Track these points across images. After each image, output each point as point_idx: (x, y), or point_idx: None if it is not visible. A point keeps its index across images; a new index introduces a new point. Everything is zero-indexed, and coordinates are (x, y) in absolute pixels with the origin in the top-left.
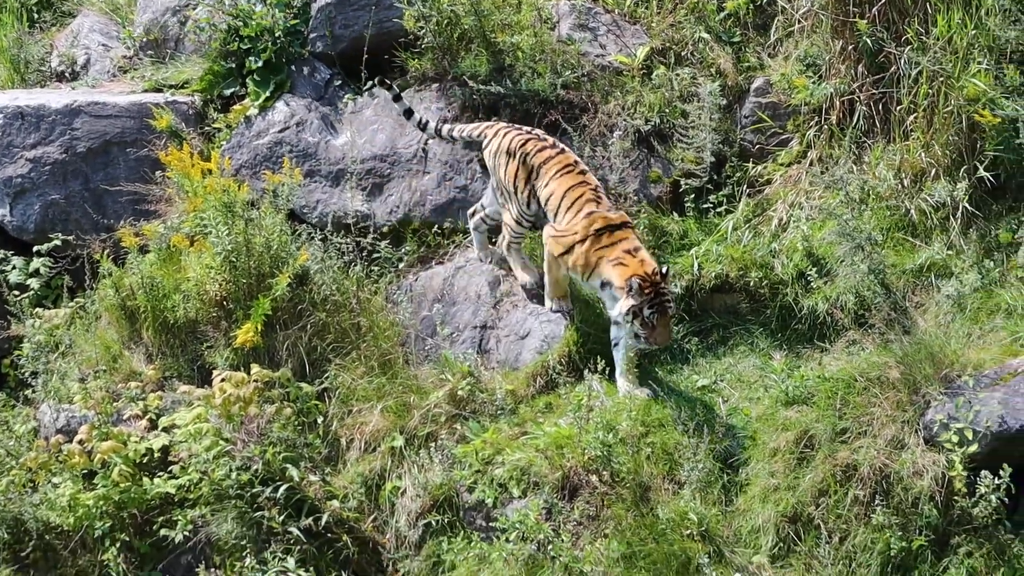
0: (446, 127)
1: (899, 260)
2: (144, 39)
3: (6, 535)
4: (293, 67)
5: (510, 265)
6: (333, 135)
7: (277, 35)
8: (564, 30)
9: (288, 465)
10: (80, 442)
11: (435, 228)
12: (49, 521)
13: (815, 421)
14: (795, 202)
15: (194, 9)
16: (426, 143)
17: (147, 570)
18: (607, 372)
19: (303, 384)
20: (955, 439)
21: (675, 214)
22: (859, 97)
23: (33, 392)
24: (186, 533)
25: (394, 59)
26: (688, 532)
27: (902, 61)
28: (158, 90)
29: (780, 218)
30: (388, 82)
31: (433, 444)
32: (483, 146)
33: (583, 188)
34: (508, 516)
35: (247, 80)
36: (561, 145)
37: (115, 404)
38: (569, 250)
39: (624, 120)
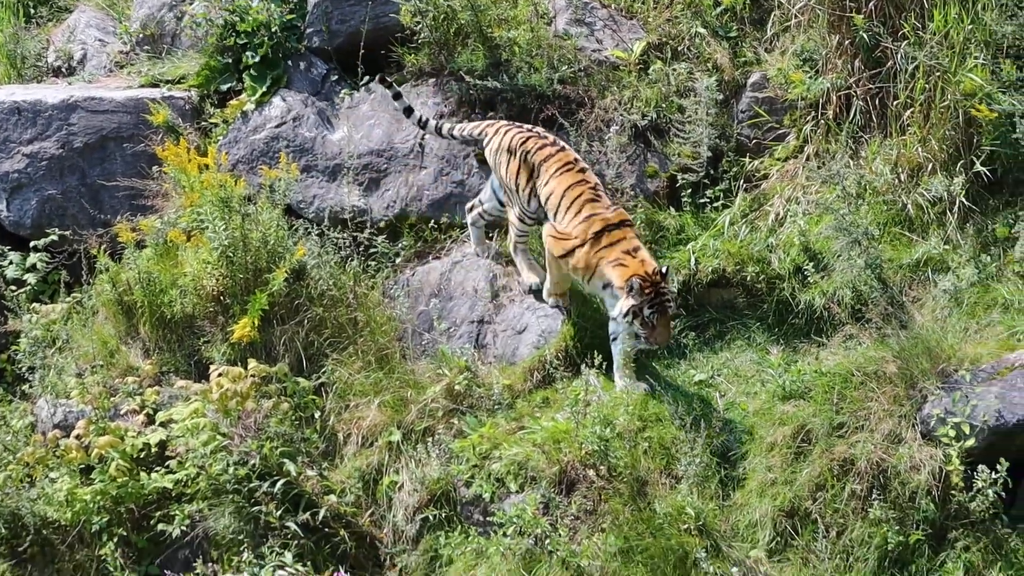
0: (446, 126)
1: (896, 255)
2: (140, 34)
3: (3, 530)
4: (290, 62)
5: (517, 265)
6: (330, 130)
7: (273, 30)
8: (561, 25)
9: (285, 460)
10: (77, 437)
11: (432, 223)
12: (46, 516)
13: (812, 416)
14: (792, 197)
15: (190, 4)
16: (423, 138)
17: (144, 565)
18: (604, 367)
19: (300, 379)
20: (952, 433)
21: (672, 209)
22: (856, 92)
23: (30, 387)
24: (183, 528)
25: (391, 54)
26: (685, 526)
27: (899, 56)
28: (155, 85)
29: (777, 213)
30: (388, 80)
31: (430, 439)
32: (483, 144)
33: (582, 187)
34: (505, 510)
35: (244, 75)
36: (561, 143)
37: (112, 399)
38: (570, 253)
39: (621, 115)
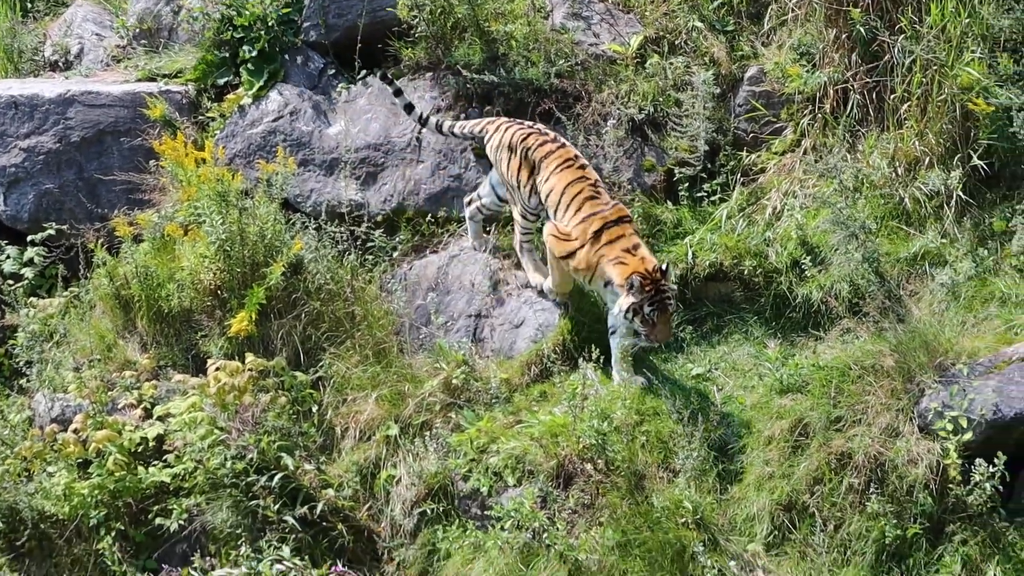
0: (447, 123)
1: (893, 248)
2: (137, 28)
3: (1, 524)
4: (287, 56)
5: (523, 265)
6: (327, 124)
7: (271, 24)
8: (558, 19)
9: (283, 454)
10: (75, 431)
11: (429, 217)
12: (44, 510)
13: (810, 409)
14: (789, 191)
15: None
16: (420, 132)
17: (142, 559)
18: (601, 361)
19: (298, 373)
20: (950, 427)
21: (669, 203)
22: (853, 86)
23: (28, 381)
24: (181, 522)
25: (387, 48)
26: (683, 520)
27: (896, 50)
28: (152, 79)
29: (774, 207)
30: (390, 77)
31: (428, 433)
32: (484, 141)
33: (582, 183)
34: (503, 504)
35: (241, 69)
36: (562, 139)
37: (110, 393)
38: (571, 255)
39: (618, 109)
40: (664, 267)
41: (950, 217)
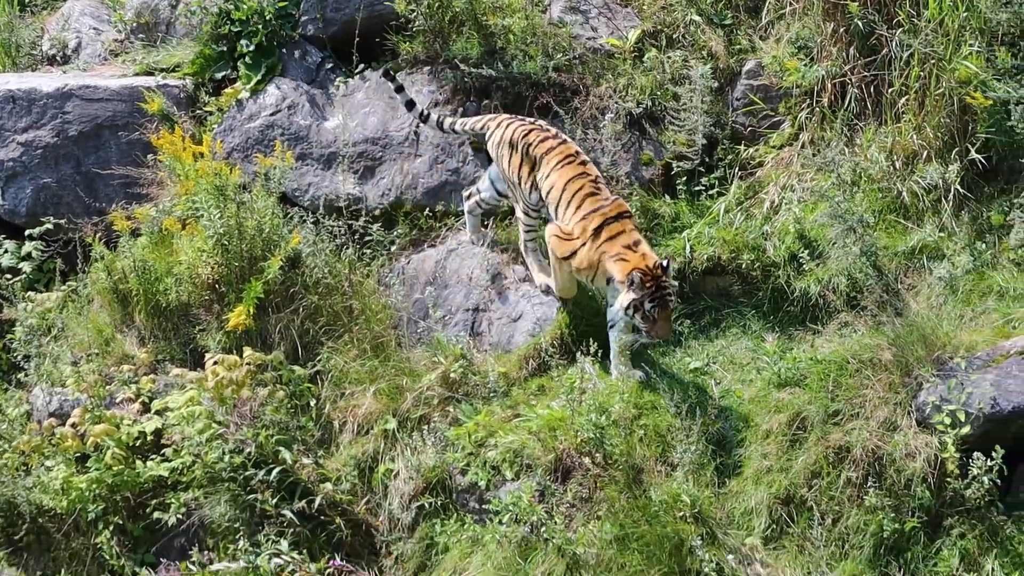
0: (448, 120)
1: (891, 242)
2: (135, 22)
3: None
4: (284, 50)
5: (528, 265)
6: (325, 118)
7: (268, 18)
8: (555, 13)
9: (281, 448)
10: (73, 425)
11: (427, 211)
12: (42, 504)
13: (808, 403)
14: (787, 184)
15: None
16: (418, 126)
17: (140, 553)
18: (599, 354)
19: (296, 367)
20: (947, 421)
21: (667, 197)
22: (851, 79)
23: (26, 375)
24: (179, 516)
25: (385, 42)
26: (681, 514)
27: (894, 43)
28: (149, 73)
29: (772, 200)
30: (392, 74)
31: (426, 427)
32: (486, 138)
33: (583, 180)
34: (501, 498)
35: (238, 63)
36: (563, 136)
37: (108, 387)
38: (573, 255)
39: (616, 103)
40: (665, 263)
41: (948, 211)
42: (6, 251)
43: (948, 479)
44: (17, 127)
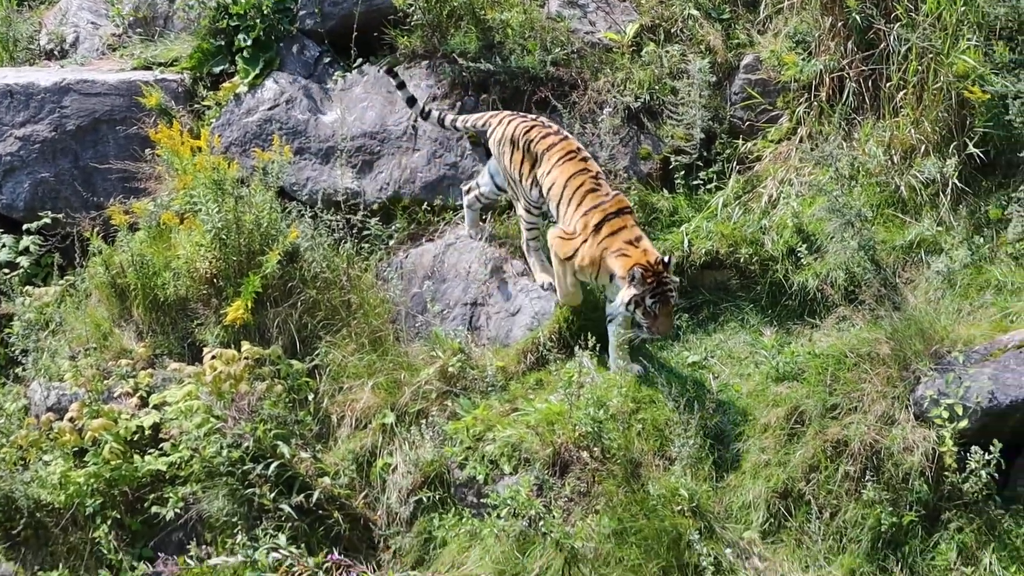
0: (449, 117)
1: (889, 236)
2: (133, 17)
3: None
4: (282, 45)
5: (529, 265)
6: (323, 112)
7: (266, 12)
8: (553, 7)
9: (279, 442)
10: (71, 420)
11: (425, 205)
12: (40, 499)
13: (805, 397)
14: (785, 178)
15: None
16: (416, 120)
17: (138, 547)
18: (597, 348)
19: (294, 361)
20: (945, 415)
21: (665, 191)
22: (849, 74)
23: (23, 370)
24: (177, 510)
25: (383, 36)
26: (679, 508)
27: (891, 38)
28: (147, 68)
29: (770, 194)
30: (394, 71)
31: (424, 421)
32: (487, 135)
33: (584, 176)
34: (499, 492)
35: (236, 58)
36: (564, 132)
37: (106, 382)
38: (575, 253)
39: (614, 97)
40: (666, 259)
41: (946, 205)
42: (4, 245)
43: (946, 473)
44: (15, 121)
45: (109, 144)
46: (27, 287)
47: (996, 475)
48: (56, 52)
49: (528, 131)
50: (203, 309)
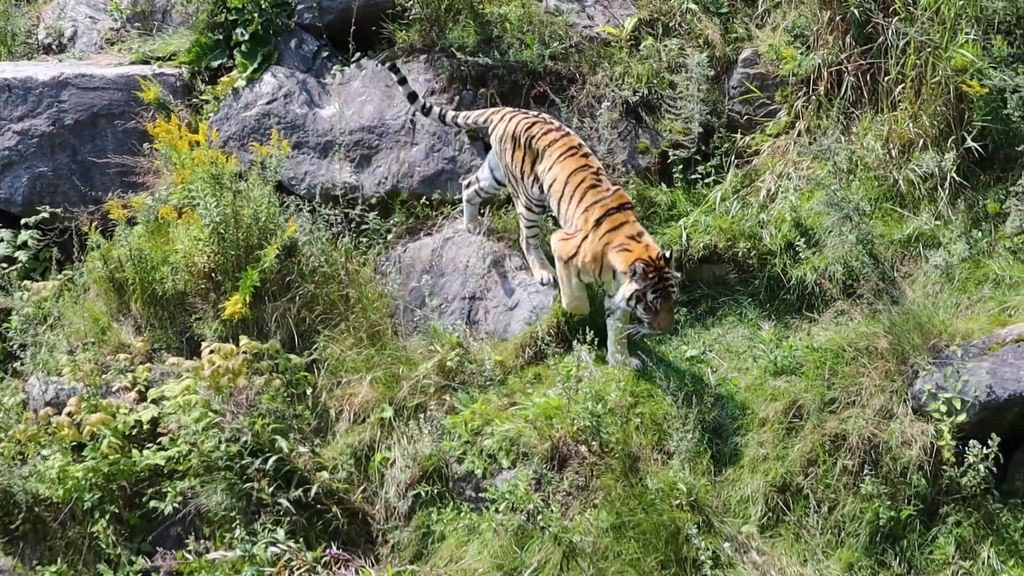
0: (450, 113)
1: (887, 230)
2: (131, 11)
3: None
4: (280, 39)
5: (528, 263)
6: (321, 107)
7: (264, 7)
8: (551, 1)
9: (277, 436)
10: (69, 414)
11: (423, 199)
12: (38, 493)
13: (804, 391)
14: (783, 172)
15: None
16: (414, 114)
17: (136, 541)
18: (596, 343)
19: (292, 356)
20: (943, 409)
21: (663, 185)
22: (847, 68)
23: (22, 365)
24: (175, 505)
25: (381, 30)
26: (677, 502)
27: (890, 32)
28: (145, 62)
29: (768, 189)
30: (396, 66)
31: (422, 415)
32: (489, 131)
33: (585, 172)
34: (497, 487)
35: (234, 52)
36: (566, 128)
37: (104, 376)
38: (577, 251)
39: (612, 91)
40: (668, 254)
41: (944, 199)
42: (2, 240)
43: (944, 467)
44: (13, 116)
45: (107, 138)
46: (25, 281)
47: (994, 469)
48: (54, 46)
49: (530, 127)
50: (201, 303)
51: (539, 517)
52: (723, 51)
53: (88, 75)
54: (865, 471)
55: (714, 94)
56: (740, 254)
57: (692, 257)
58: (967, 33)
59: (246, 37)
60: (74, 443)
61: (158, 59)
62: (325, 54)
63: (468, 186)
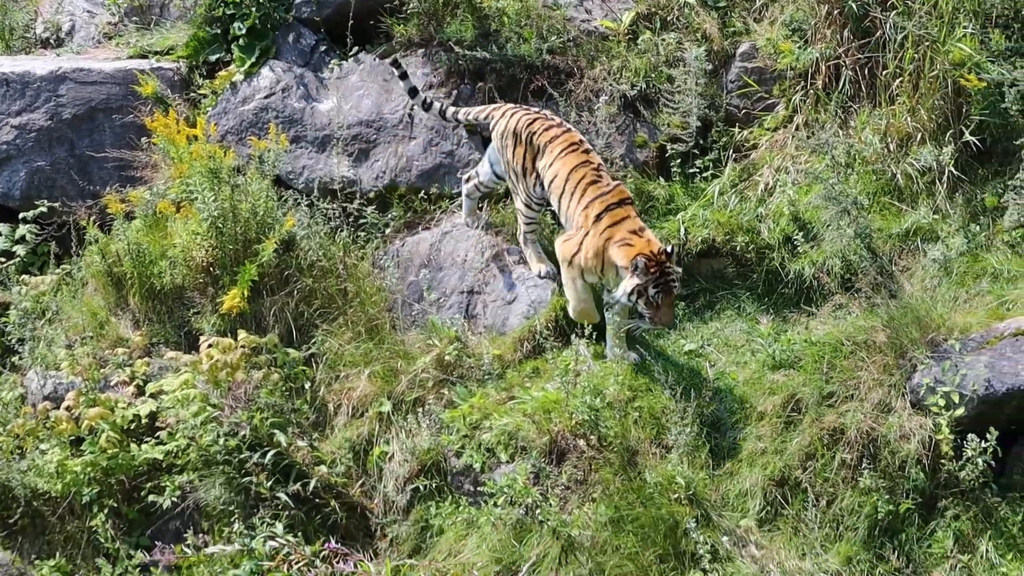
0: (451, 109)
1: (885, 224)
2: (129, 5)
3: None
4: (278, 33)
5: (526, 257)
6: (319, 101)
7: (262, 1)
8: None
9: (276, 431)
10: (67, 408)
11: (421, 194)
12: (37, 488)
13: (802, 385)
14: (781, 166)
15: None
16: (412, 108)
17: (135, 536)
18: (594, 336)
19: (290, 350)
20: (942, 402)
21: (661, 179)
22: (845, 62)
23: (20, 359)
24: (174, 499)
25: (379, 24)
26: (675, 496)
27: (888, 26)
28: (143, 56)
29: (766, 183)
30: (398, 60)
31: (420, 409)
32: (490, 128)
33: (585, 168)
34: (496, 481)
35: (232, 46)
36: (567, 125)
37: (102, 370)
38: (579, 249)
39: (610, 85)
40: (669, 249)
41: (942, 193)
42: (0, 234)
43: (942, 461)
44: (11, 110)
45: (105, 133)
46: (23, 276)
47: (992, 463)
48: (52, 41)
49: (531, 124)
50: (199, 298)
51: (537, 511)
52: (721, 45)
53: (86, 69)
54: (863, 465)
55: (712, 88)
56: (738, 248)
57: (690, 251)
58: (965, 27)
59: (244, 31)
60: (72, 437)
61: (156, 53)
62: (323, 48)
63: (468, 180)
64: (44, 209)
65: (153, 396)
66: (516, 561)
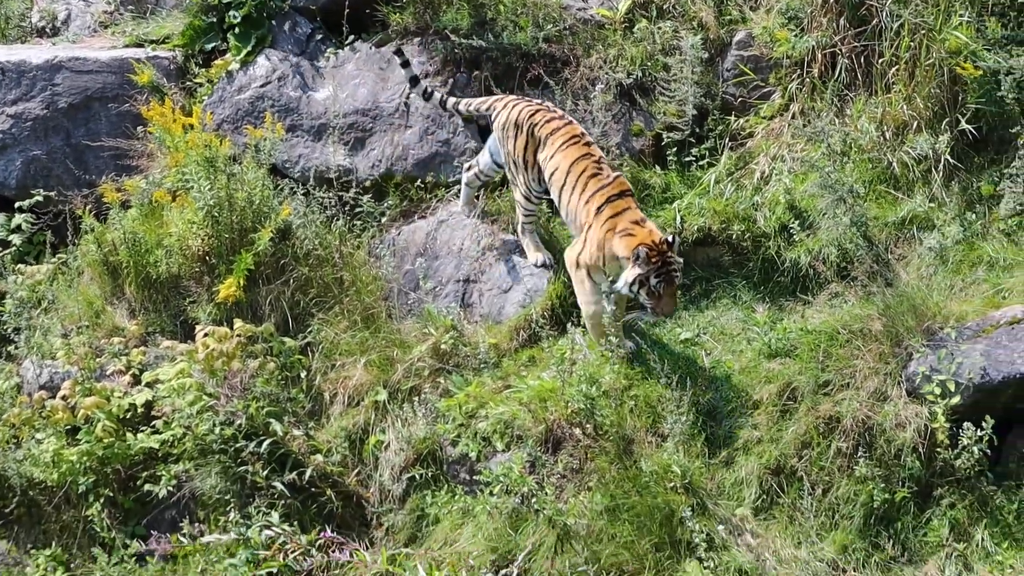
0: (451, 100)
1: (881, 212)
2: None
3: None
4: (274, 21)
5: (524, 247)
6: (315, 89)
7: None
8: None
9: (272, 420)
10: (63, 398)
11: (417, 182)
12: (32, 477)
13: (798, 373)
14: (777, 155)
15: None
16: (408, 97)
17: (131, 525)
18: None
19: (286, 339)
20: (937, 391)
21: (657, 167)
22: (841, 50)
23: (16, 348)
24: (170, 488)
25: (375, 13)
26: (671, 485)
27: (884, 14)
28: (139, 45)
29: (762, 171)
30: (400, 49)
31: (416, 398)
32: (492, 119)
33: (586, 161)
34: (492, 469)
35: (228, 35)
36: (569, 117)
37: (98, 360)
38: (583, 245)
39: (606, 73)
40: (671, 239)
41: (938, 181)
42: None
43: (938, 449)
44: (7, 99)
45: (101, 122)
46: (19, 265)
47: (988, 451)
48: (48, 30)
49: (532, 115)
50: (195, 287)
51: (533, 500)
52: (717, 33)
53: (82, 58)
54: (859, 453)
55: (708, 76)
56: (734, 236)
57: (686, 240)
58: (961, 15)
59: (239, 20)
60: (68, 427)
61: (152, 42)
62: (319, 37)
63: (468, 169)
64: (40, 198)
65: (149, 385)
66: (512, 550)
